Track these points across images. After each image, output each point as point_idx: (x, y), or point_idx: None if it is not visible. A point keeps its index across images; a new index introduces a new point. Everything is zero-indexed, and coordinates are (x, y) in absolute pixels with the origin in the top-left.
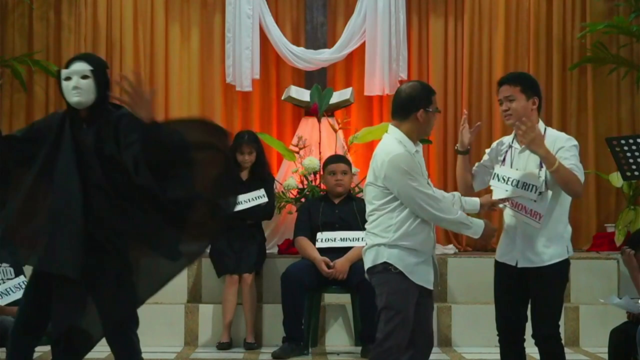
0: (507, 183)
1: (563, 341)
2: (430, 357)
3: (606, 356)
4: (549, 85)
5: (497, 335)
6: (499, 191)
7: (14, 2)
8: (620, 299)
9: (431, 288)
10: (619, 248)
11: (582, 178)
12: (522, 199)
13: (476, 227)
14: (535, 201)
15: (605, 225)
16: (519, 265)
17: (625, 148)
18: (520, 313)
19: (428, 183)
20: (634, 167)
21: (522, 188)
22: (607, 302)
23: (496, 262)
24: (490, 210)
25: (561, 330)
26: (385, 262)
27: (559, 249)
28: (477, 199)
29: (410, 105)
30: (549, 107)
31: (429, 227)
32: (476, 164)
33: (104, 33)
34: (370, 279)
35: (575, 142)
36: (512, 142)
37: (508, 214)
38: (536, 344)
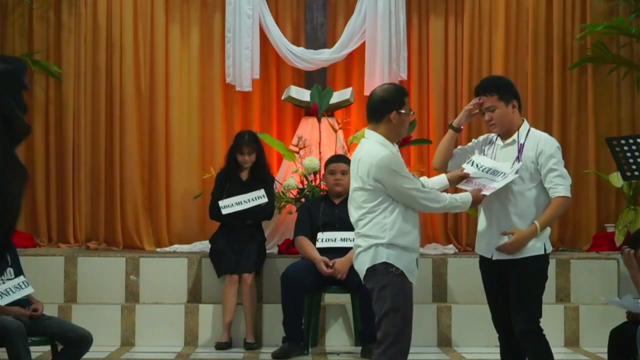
0: (478, 169)
1: (563, 341)
2: (430, 357)
3: (606, 356)
4: (549, 85)
5: (497, 333)
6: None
7: (14, 2)
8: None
9: (415, 283)
10: (619, 248)
11: (568, 183)
12: (484, 180)
13: (464, 204)
14: (495, 182)
15: (605, 225)
16: (494, 258)
17: (625, 148)
18: (510, 307)
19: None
20: (634, 167)
21: (490, 174)
22: (608, 301)
23: (480, 258)
24: (458, 181)
25: (561, 330)
26: (385, 263)
27: (536, 244)
28: (443, 176)
29: (382, 108)
30: (549, 107)
31: (417, 226)
32: (459, 147)
33: (104, 33)
34: (367, 281)
35: (558, 144)
36: (496, 139)
37: (484, 208)
38: (517, 340)
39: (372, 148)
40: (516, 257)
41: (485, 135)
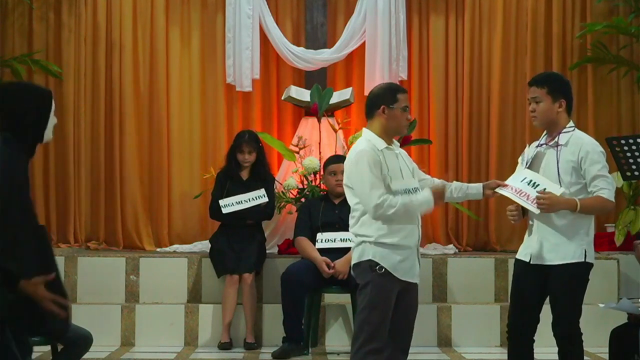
0: (521, 182)
1: None
2: (430, 357)
3: (606, 356)
4: None
5: (507, 332)
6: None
7: (14, 2)
8: (618, 302)
9: (417, 281)
10: (619, 248)
11: (613, 188)
12: (527, 189)
13: (423, 206)
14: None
15: (605, 225)
16: (531, 262)
17: (625, 148)
18: (532, 312)
19: (413, 177)
20: (634, 167)
21: (531, 186)
22: (607, 307)
23: (515, 261)
24: (491, 192)
25: None
26: (370, 260)
27: (575, 251)
28: (480, 185)
29: (373, 104)
30: None
31: (412, 222)
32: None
33: (104, 33)
34: (355, 275)
35: (601, 148)
36: (543, 138)
37: (529, 213)
38: (555, 340)
39: (356, 145)
40: (554, 263)
41: (528, 147)
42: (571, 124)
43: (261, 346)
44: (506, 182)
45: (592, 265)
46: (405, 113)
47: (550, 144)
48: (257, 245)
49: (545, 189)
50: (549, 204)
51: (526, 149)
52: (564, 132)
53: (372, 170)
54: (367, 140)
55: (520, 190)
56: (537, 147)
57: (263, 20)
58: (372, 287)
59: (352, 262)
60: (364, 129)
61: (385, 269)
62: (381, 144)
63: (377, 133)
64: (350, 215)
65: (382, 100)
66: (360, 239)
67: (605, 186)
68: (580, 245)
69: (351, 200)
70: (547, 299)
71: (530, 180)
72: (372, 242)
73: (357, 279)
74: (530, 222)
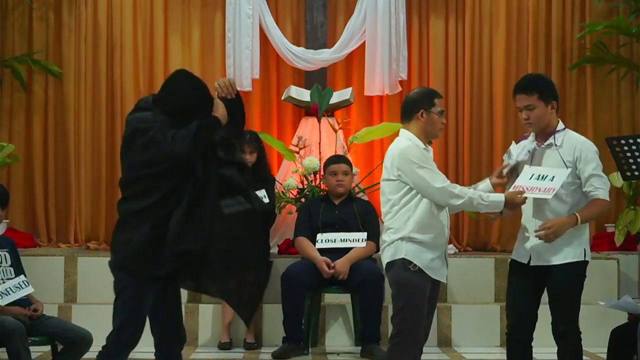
0: (530, 179)
1: None
2: (430, 357)
3: (606, 356)
4: None
5: (506, 333)
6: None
7: (14, 2)
8: (619, 299)
9: (445, 281)
10: (619, 248)
11: (607, 188)
12: (538, 184)
13: (493, 204)
14: (551, 180)
15: (605, 225)
16: (531, 263)
17: (625, 148)
18: (531, 312)
19: None
20: (634, 167)
21: (542, 179)
22: (607, 305)
23: (510, 260)
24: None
25: None
26: (403, 259)
27: (575, 250)
28: (502, 195)
29: (411, 108)
30: None
31: (445, 222)
32: (505, 161)
33: (104, 33)
34: (387, 274)
35: (595, 148)
36: (534, 140)
37: (523, 214)
38: (555, 340)
39: (397, 142)
40: (555, 264)
41: (517, 147)
42: (561, 123)
43: (261, 346)
44: (516, 183)
45: (588, 263)
46: (442, 117)
47: (544, 145)
48: None
49: (554, 177)
50: (554, 232)
51: (512, 147)
52: (558, 133)
53: (425, 161)
54: (408, 139)
55: (532, 187)
56: (529, 150)
57: (263, 20)
58: (409, 288)
59: (385, 261)
60: (402, 130)
61: (418, 267)
62: (421, 144)
63: (415, 135)
64: (385, 211)
65: (420, 105)
66: (394, 237)
67: (601, 185)
68: (580, 245)
69: (392, 193)
70: (544, 298)
71: (539, 175)
72: (405, 238)
73: (392, 278)
74: (524, 225)
